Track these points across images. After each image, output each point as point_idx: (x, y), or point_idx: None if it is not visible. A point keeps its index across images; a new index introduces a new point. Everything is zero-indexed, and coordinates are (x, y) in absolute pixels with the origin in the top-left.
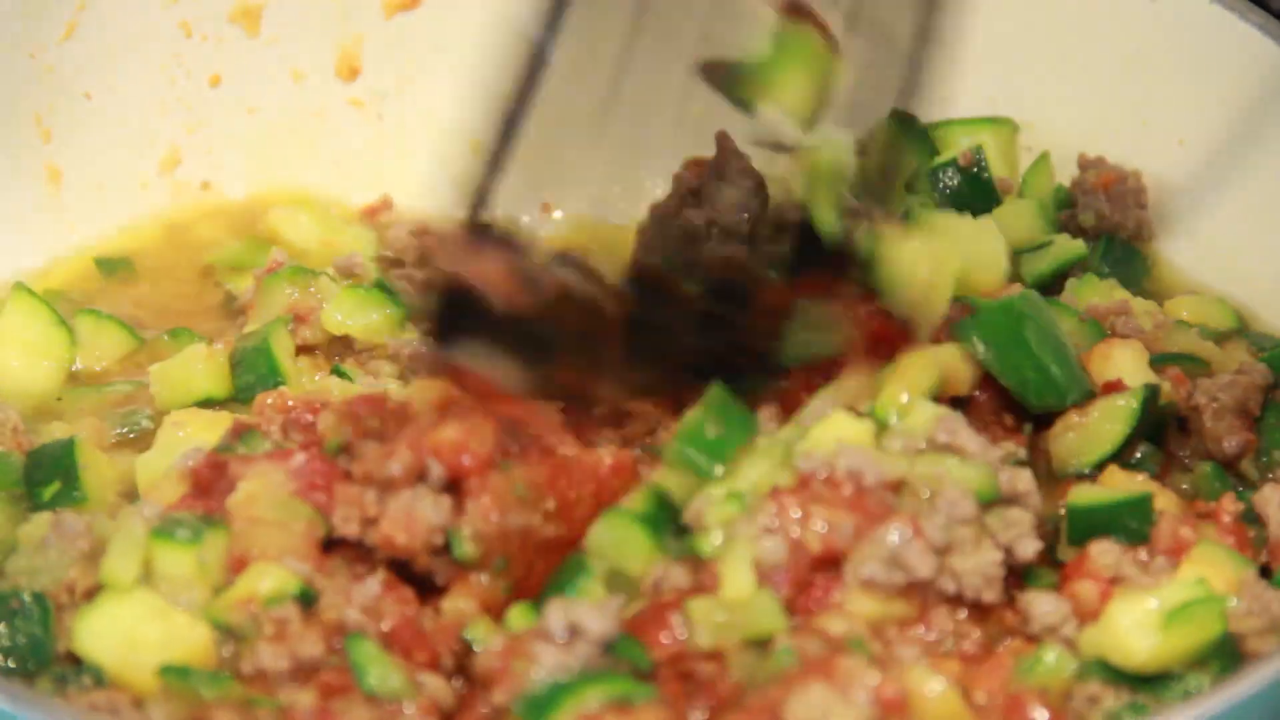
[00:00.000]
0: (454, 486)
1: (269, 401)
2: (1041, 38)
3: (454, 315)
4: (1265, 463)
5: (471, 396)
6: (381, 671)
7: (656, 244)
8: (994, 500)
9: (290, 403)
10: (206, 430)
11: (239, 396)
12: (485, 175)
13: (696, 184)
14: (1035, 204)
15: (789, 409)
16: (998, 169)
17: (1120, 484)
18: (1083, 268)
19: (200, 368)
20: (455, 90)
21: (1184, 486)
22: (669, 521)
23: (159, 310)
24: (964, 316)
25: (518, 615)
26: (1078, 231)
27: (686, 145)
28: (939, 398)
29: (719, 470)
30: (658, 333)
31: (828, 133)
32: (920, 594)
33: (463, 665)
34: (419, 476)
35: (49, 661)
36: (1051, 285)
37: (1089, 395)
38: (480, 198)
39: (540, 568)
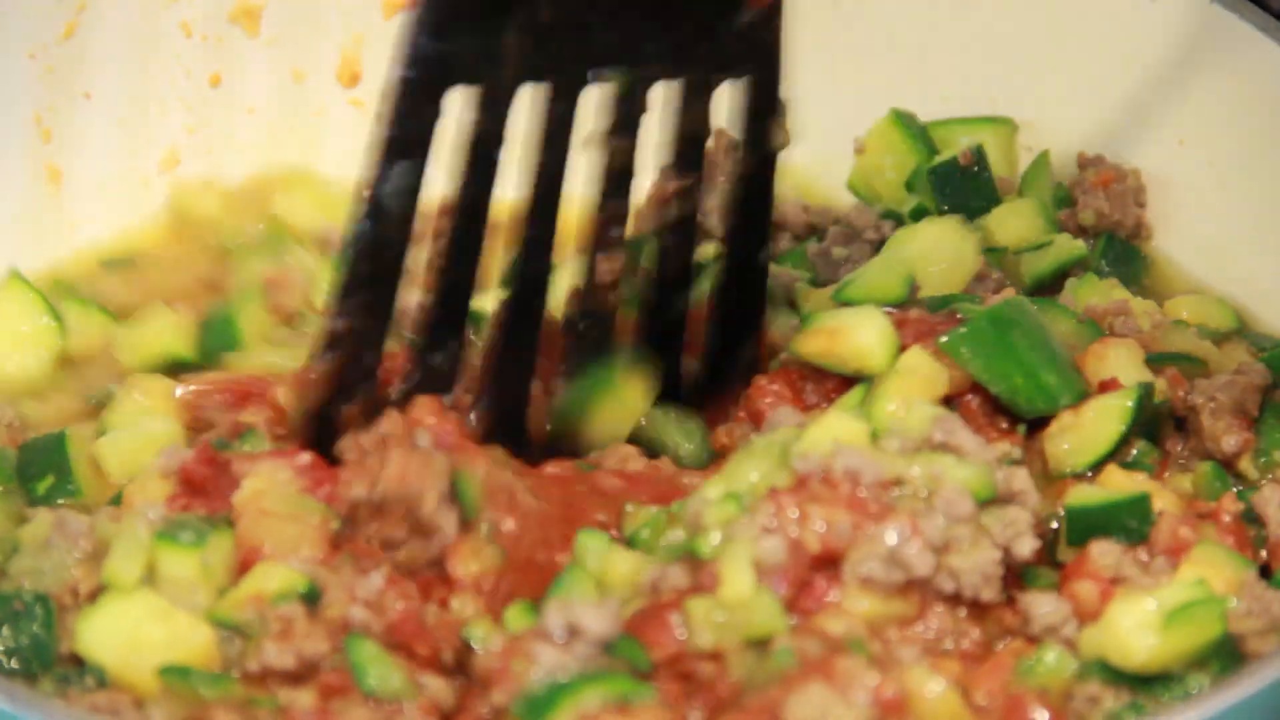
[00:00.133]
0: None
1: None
2: (1041, 38)
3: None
4: (1264, 463)
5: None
6: (381, 671)
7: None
8: (991, 499)
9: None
10: (163, 399)
11: (203, 360)
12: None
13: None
14: (1035, 203)
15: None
16: (998, 168)
17: (1119, 484)
18: (1083, 267)
19: (164, 328)
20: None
21: (1184, 486)
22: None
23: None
24: (951, 325)
25: (517, 615)
26: (1077, 230)
27: None
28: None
29: None
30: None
31: None
32: (919, 593)
33: (463, 665)
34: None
35: (51, 662)
36: (1051, 285)
37: (1083, 397)
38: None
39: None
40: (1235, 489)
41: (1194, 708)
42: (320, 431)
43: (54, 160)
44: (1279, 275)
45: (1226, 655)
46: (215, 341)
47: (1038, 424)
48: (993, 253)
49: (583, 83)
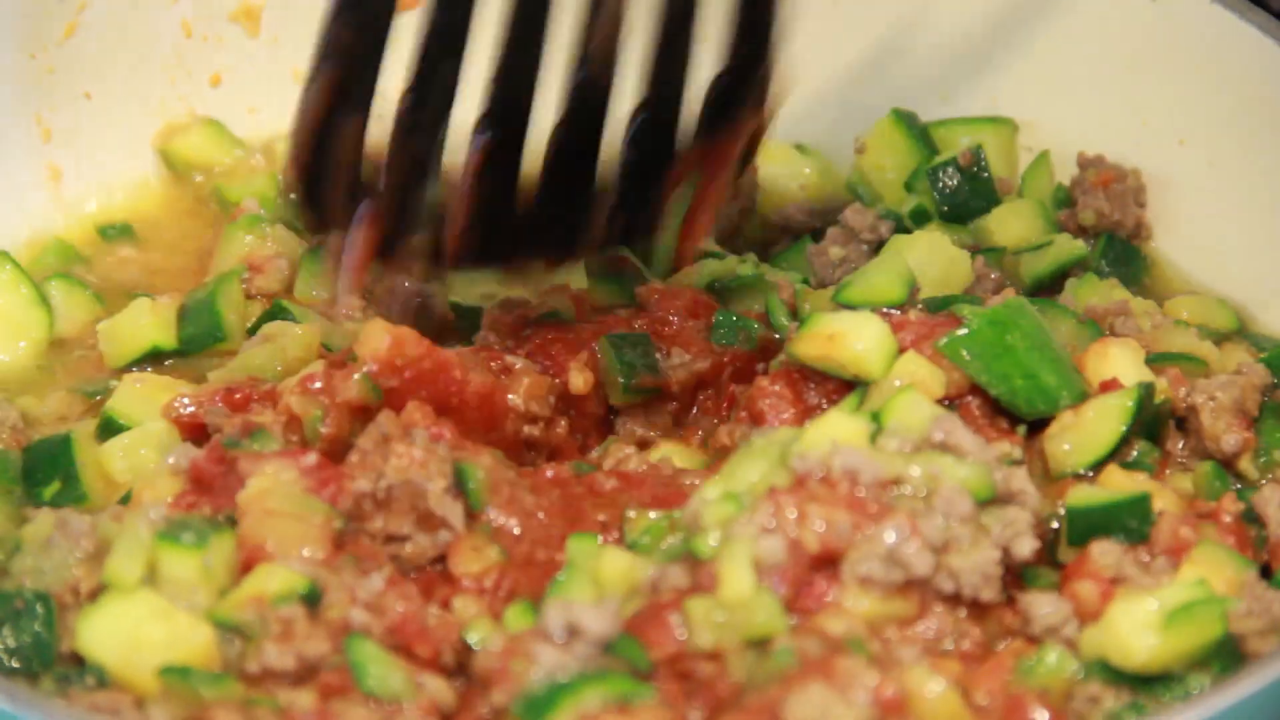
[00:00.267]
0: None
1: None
2: (1041, 38)
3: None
4: (1265, 463)
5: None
6: (381, 672)
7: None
8: (991, 499)
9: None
10: (164, 391)
11: (184, 348)
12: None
13: None
14: (1035, 204)
15: (801, 416)
16: (998, 169)
17: (1119, 484)
18: (1083, 267)
19: (145, 320)
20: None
21: (1185, 486)
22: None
23: (173, 276)
24: (951, 327)
25: (517, 615)
26: (1077, 230)
27: None
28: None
29: None
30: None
31: None
32: (919, 592)
33: (463, 665)
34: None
35: (52, 661)
36: (1051, 285)
37: (1083, 397)
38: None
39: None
40: (1235, 489)
41: (1194, 708)
42: (314, 175)
43: (54, 160)
44: (1278, 275)
45: (1227, 655)
46: (195, 329)
47: (1038, 424)
48: (992, 253)
49: None
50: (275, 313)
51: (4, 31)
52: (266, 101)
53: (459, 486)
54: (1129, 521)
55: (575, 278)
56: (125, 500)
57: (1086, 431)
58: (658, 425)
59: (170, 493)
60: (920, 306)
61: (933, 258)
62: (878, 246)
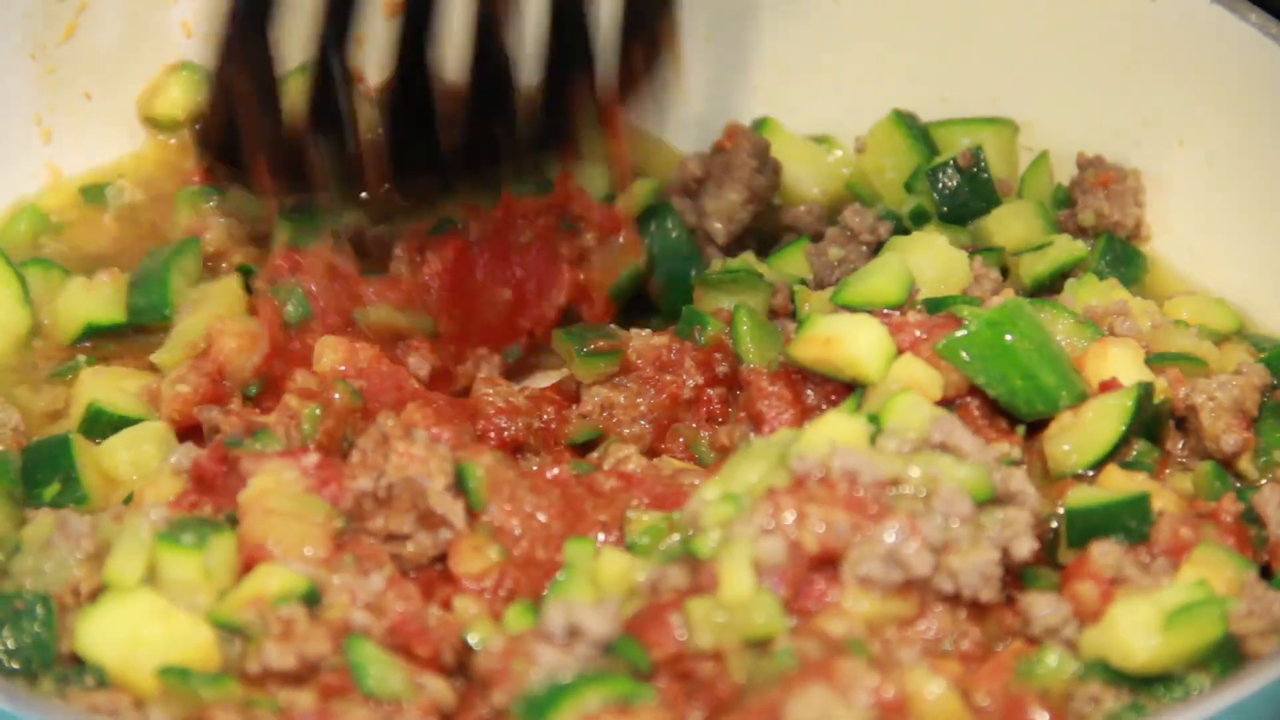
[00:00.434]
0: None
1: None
2: (1041, 38)
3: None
4: (1264, 463)
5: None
6: (381, 672)
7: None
8: (990, 500)
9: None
10: (127, 377)
11: (132, 319)
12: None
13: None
14: (1035, 204)
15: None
16: (998, 170)
17: (1119, 484)
18: (1082, 268)
19: (83, 296)
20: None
21: (1184, 486)
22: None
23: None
24: (949, 328)
25: (517, 615)
26: (1077, 231)
27: None
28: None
29: None
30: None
31: None
32: (918, 593)
33: (463, 665)
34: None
35: (52, 662)
36: (1051, 286)
37: (1082, 398)
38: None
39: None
40: (1235, 489)
41: (1194, 708)
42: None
43: (54, 160)
44: (1278, 275)
45: (1227, 656)
46: (144, 301)
47: (1037, 425)
48: (991, 253)
49: None
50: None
51: (4, 31)
52: None
53: (459, 486)
54: (1129, 522)
55: None
56: (129, 501)
57: (1086, 432)
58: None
59: (172, 492)
60: (919, 307)
61: (931, 259)
62: (877, 247)
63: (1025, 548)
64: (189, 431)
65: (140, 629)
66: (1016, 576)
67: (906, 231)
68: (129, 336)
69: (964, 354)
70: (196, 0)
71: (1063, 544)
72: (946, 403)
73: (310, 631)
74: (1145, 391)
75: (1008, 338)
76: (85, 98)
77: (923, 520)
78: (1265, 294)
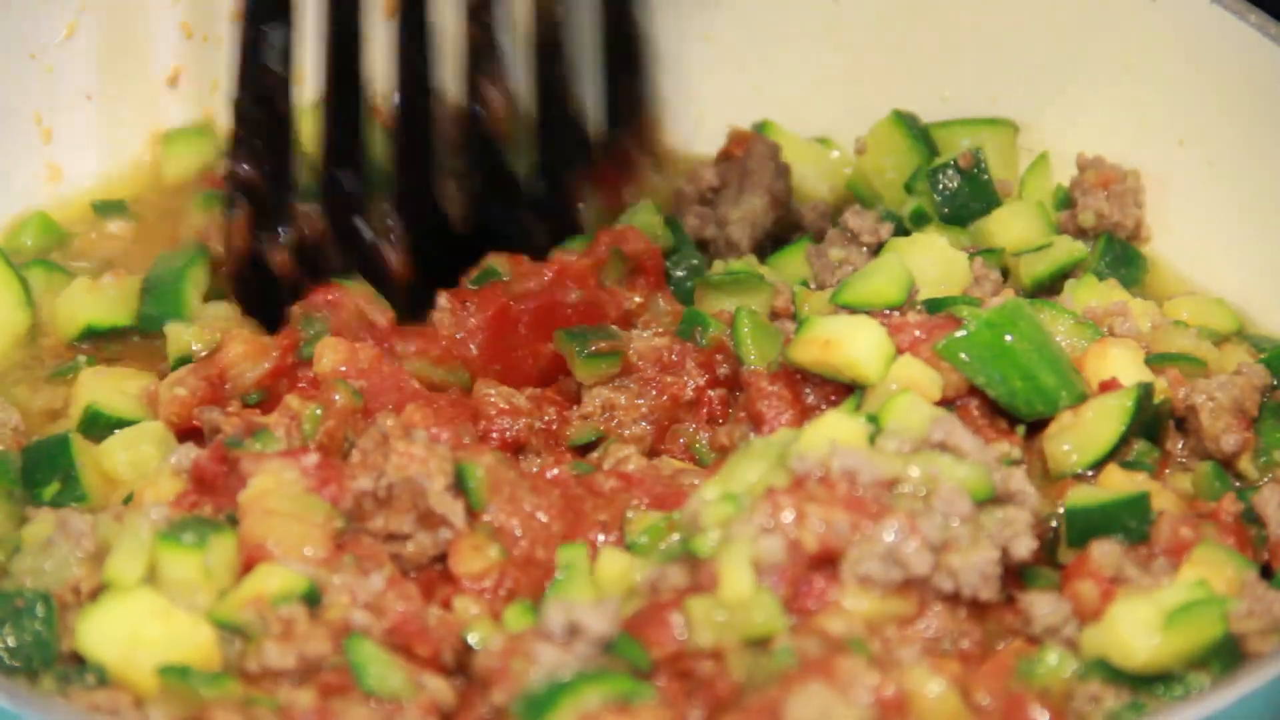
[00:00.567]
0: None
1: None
2: (1041, 38)
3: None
4: (1264, 463)
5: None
6: (381, 671)
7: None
8: (990, 499)
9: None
10: (128, 379)
11: (142, 326)
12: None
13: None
14: (1035, 205)
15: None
16: (998, 171)
17: (1119, 484)
18: (1082, 268)
19: (85, 297)
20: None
21: (1184, 486)
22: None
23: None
24: (949, 329)
25: (517, 615)
26: (1077, 232)
27: None
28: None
29: None
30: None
31: None
32: (918, 592)
33: (463, 664)
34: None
35: (52, 661)
36: (1051, 287)
37: (1082, 398)
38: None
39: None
40: (1235, 489)
41: (1194, 707)
42: (258, 287)
43: (54, 160)
44: (1278, 275)
45: (1227, 655)
46: (156, 310)
47: (1037, 425)
48: (991, 254)
49: None
50: None
51: (4, 31)
52: None
53: (459, 486)
54: (1128, 521)
55: None
56: (129, 500)
57: (1086, 432)
58: (625, 391)
59: (172, 492)
60: (919, 308)
61: (932, 260)
62: (878, 248)
63: (1024, 547)
64: (188, 433)
65: (141, 628)
66: (1017, 576)
67: (907, 233)
68: (134, 339)
69: (963, 355)
70: (197, 1)
71: (1063, 544)
72: (946, 403)
73: (310, 631)
74: (1145, 392)
75: (1007, 338)
76: (85, 98)
77: (922, 519)
78: (1265, 294)
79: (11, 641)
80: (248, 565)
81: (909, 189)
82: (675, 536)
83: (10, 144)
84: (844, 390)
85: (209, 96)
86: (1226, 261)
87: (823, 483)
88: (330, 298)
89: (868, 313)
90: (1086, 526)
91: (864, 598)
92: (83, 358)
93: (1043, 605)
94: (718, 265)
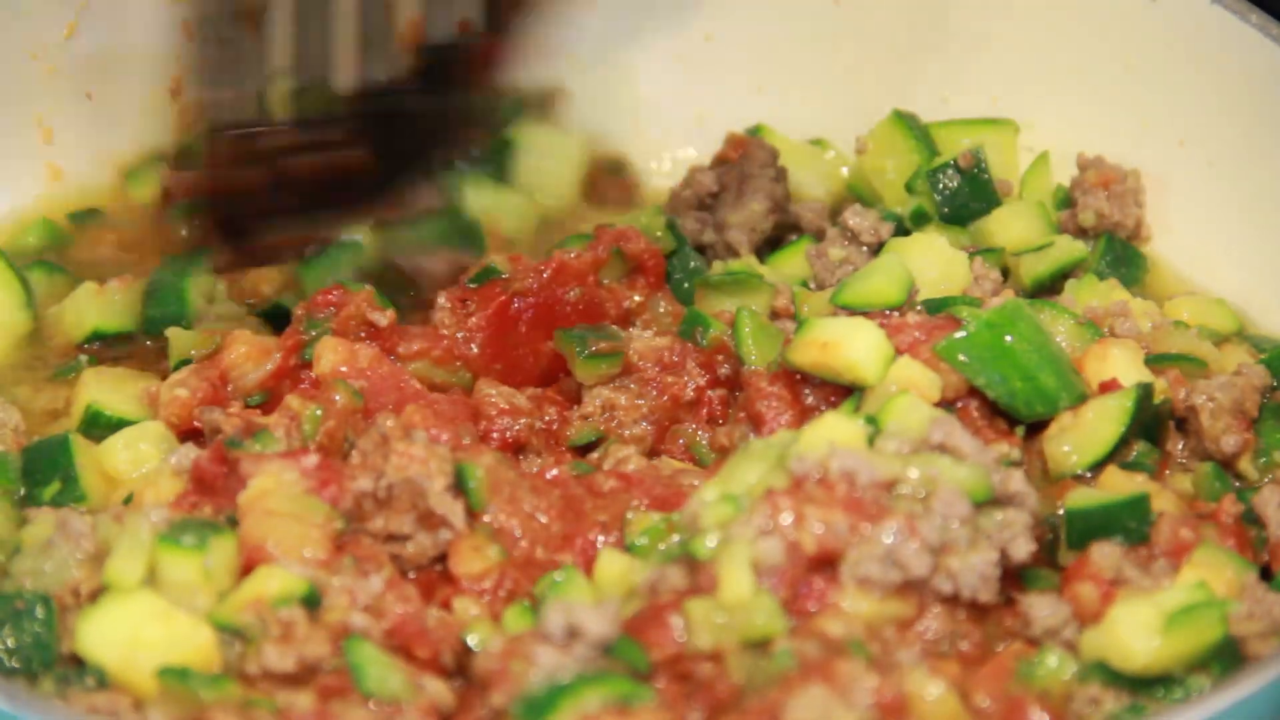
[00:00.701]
0: None
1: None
2: (1041, 38)
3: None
4: (1264, 463)
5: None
6: (380, 673)
7: None
8: (989, 501)
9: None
10: (129, 379)
11: (146, 329)
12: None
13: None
14: (1035, 205)
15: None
16: (998, 171)
17: (1119, 485)
18: (1082, 268)
19: (93, 301)
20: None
21: (1184, 487)
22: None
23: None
24: (948, 330)
25: (516, 616)
26: (1077, 231)
27: None
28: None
29: None
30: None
31: None
32: (917, 593)
33: (462, 666)
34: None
35: (52, 662)
36: (1051, 286)
37: (1082, 399)
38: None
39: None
40: (1235, 490)
41: (1194, 709)
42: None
43: (54, 160)
44: (1278, 275)
45: (1227, 657)
46: (159, 313)
47: (1037, 425)
48: (991, 254)
49: None
50: None
51: (4, 31)
52: None
53: (459, 486)
54: (1128, 522)
55: None
56: (129, 501)
57: (1086, 432)
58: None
59: (172, 493)
60: (918, 309)
61: (932, 260)
62: (878, 248)
63: (1023, 549)
64: (188, 434)
65: (140, 630)
66: (1016, 577)
67: (908, 233)
68: (138, 342)
69: (963, 355)
70: (197, 1)
71: (1063, 545)
72: (946, 404)
73: (310, 633)
74: (1145, 392)
75: (1007, 339)
76: (85, 98)
77: (921, 521)
78: (1265, 294)
79: (11, 643)
80: (247, 566)
81: (909, 189)
82: (675, 538)
83: (10, 144)
84: (843, 391)
85: None
86: (1226, 261)
87: (822, 484)
88: (332, 298)
89: (867, 314)
90: (1086, 528)
91: (863, 599)
92: (84, 358)
93: (1042, 607)
94: (717, 266)
